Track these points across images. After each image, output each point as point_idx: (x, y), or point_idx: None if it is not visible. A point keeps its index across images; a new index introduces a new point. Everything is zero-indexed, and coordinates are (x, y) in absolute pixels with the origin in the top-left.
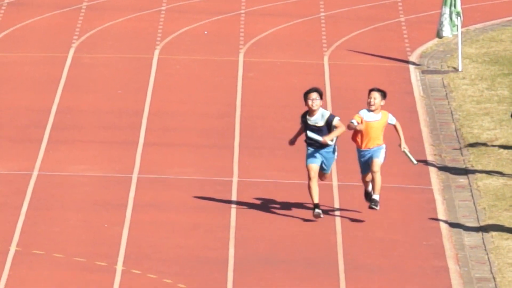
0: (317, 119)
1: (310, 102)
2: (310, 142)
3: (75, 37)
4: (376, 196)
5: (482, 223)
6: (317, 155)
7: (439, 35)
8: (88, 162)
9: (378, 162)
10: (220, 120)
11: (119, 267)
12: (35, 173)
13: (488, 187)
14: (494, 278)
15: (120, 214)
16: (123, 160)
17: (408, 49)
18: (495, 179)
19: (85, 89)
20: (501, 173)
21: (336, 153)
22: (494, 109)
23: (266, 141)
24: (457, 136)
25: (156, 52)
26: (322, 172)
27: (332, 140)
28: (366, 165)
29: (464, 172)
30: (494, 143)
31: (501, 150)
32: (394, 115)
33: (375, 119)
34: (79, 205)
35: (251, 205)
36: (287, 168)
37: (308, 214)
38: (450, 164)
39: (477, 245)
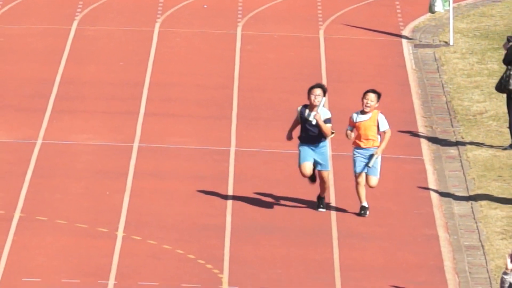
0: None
1: (312, 98)
2: (304, 136)
3: (78, 10)
4: (365, 203)
5: (471, 193)
6: (310, 153)
7: (431, 10)
8: (90, 132)
9: (375, 180)
10: (219, 92)
11: (120, 233)
12: (39, 142)
13: (478, 158)
14: (482, 246)
15: (121, 182)
16: (124, 129)
17: (401, 23)
18: (484, 150)
19: (87, 61)
20: (490, 145)
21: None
22: (484, 83)
23: (263, 112)
24: (448, 108)
25: (157, 25)
26: (320, 170)
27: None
28: (360, 164)
29: (454, 143)
30: (484, 115)
31: (491, 122)
32: (386, 90)
33: (365, 119)
34: (81, 173)
35: (248, 174)
36: (283, 139)
37: (302, 183)
38: (440, 136)
39: (466, 214)
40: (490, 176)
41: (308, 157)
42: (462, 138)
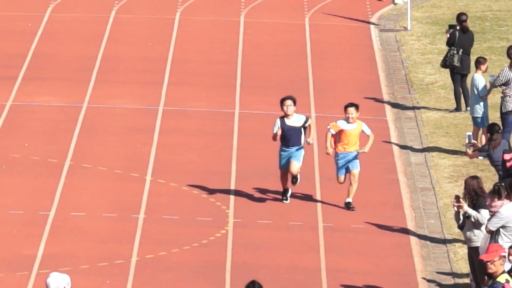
0: (294, 121)
1: (285, 108)
2: (284, 143)
3: (116, 2)
4: (350, 199)
5: (425, 146)
6: (288, 157)
7: (394, 1)
8: (125, 98)
9: (357, 172)
10: (226, 66)
11: (148, 177)
12: (84, 106)
13: (430, 119)
14: (433, 188)
15: (149, 137)
16: (152, 96)
17: (369, 12)
18: (435, 113)
19: (123, 42)
20: (439, 108)
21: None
22: (435, 59)
23: (261, 82)
24: (406, 79)
25: (178, 14)
26: (294, 163)
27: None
28: (343, 169)
29: (411, 107)
30: (434, 85)
31: (440, 90)
32: (357, 65)
33: (352, 128)
34: (118, 130)
35: (249, 131)
36: (277, 103)
37: None
38: (400, 101)
39: (420, 162)
40: (439, 133)
41: (286, 163)
42: (417, 103)
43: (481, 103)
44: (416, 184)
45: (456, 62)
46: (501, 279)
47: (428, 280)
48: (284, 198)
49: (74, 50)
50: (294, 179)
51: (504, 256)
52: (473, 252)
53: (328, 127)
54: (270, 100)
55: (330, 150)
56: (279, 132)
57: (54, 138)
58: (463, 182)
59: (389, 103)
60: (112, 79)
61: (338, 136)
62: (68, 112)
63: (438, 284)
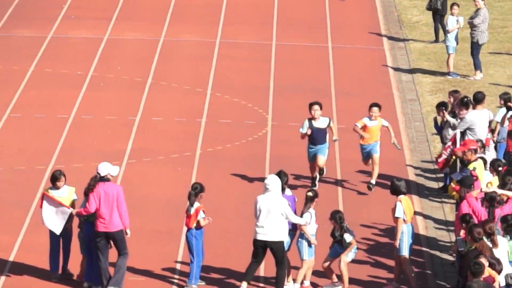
0: (320, 123)
1: (313, 112)
2: (312, 142)
3: None
4: (373, 181)
5: (412, 68)
6: (314, 153)
7: None
8: (191, 33)
9: (377, 156)
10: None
11: (209, 91)
12: (161, 39)
13: (416, 47)
14: (418, 99)
15: (209, 62)
16: (211, 31)
17: None
18: (419, 43)
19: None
20: (423, 40)
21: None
22: (419, 4)
23: (295, 21)
24: (398, 19)
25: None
26: (320, 157)
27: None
28: (367, 156)
29: (402, 39)
30: (419, 23)
31: (423, 27)
32: (361, 10)
33: (374, 124)
34: (187, 55)
35: (286, 58)
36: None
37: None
38: (394, 35)
39: (409, 80)
40: (423, 58)
41: (313, 156)
42: (407, 36)
43: (448, 35)
44: (406, 96)
45: (439, 6)
46: (470, 166)
47: (414, 167)
48: (313, 185)
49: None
50: (321, 171)
51: (475, 149)
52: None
53: (356, 123)
54: (303, 35)
55: (367, 135)
56: (309, 132)
57: (139, 63)
58: (441, 95)
59: (385, 36)
60: (182, 20)
61: (362, 131)
62: (150, 44)
63: (422, 169)
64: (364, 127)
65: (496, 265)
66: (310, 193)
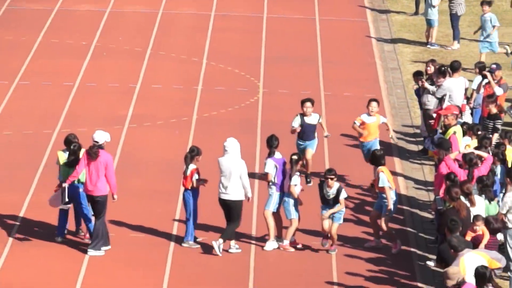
0: (311, 120)
1: (305, 109)
2: (302, 137)
3: None
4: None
5: (394, 38)
6: (304, 147)
7: None
8: (188, 6)
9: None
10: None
11: (204, 61)
12: (160, 12)
13: (397, 20)
14: (399, 67)
15: (205, 33)
16: (207, 5)
17: None
18: (401, 15)
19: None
20: (404, 12)
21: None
22: None
23: None
24: None
25: None
26: (309, 151)
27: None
28: (368, 153)
29: (385, 11)
30: None
31: (404, 0)
32: None
33: (372, 121)
34: (184, 27)
35: (277, 28)
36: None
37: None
38: (377, 8)
39: (390, 50)
40: (403, 30)
41: (302, 151)
42: (389, 8)
43: (433, 9)
44: (387, 65)
45: None
46: (450, 131)
47: (395, 131)
48: (308, 181)
49: None
50: (306, 165)
51: (457, 115)
52: (426, 113)
53: (354, 121)
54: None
55: (365, 132)
56: (298, 129)
57: (139, 34)
58: (420, 64)
59: (369, 9)
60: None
61: (361, 128)
62: (149, 17)
63: (402, 133)
64: (363, 124)
65: (493, 223)
66: (294, 156)
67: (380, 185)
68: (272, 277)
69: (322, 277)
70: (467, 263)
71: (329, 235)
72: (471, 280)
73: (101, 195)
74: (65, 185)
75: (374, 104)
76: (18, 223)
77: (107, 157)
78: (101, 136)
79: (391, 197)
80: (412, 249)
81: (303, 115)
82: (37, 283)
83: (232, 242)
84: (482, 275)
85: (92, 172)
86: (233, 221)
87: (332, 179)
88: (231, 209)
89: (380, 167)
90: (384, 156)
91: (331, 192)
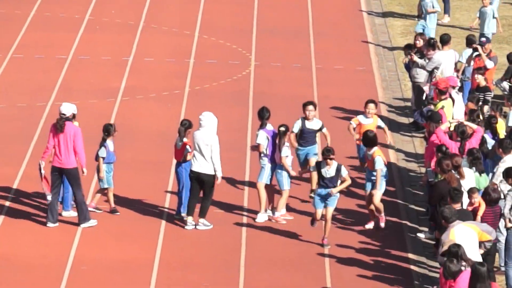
0: (313, 125)
1: (307, 113)
2: (301, 141)
3: None
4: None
5: (384, 11)
6: (305, 155)
7: None
8: None
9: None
10: None
11: (196, 34)
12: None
13: None
14: (390, 40)
15: (197, 6)
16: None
17: None
18: None
19: None
20: None
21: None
22: None
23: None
24: None
25: None
26: (312, 160)
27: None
28: (363, 158)
29: None
30: None
31: None
32: None
33: (369, 123)
34: (176, 1)
35: (268, 1)
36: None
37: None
38: None
39: (381, 23)
40: (394, 3)
41: (304, 159)
42: None
43: None
44: (379, 38)
45: None
46: (439, 105)
47: (386, 104)
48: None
49: None
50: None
51: (453, 87)
52: (417, 87)
53: (351, 122)
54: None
55: (356, 136)
56: (293, 137)
57: (131, 7)
58: (410, 37)
59: None
60: None
61: (357, 131)
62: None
63: (392, 106)
64: (359, 126)
65: (490, 194)
66: (282, 128)
67: (377, 167)
68: (264, 249)
69: (314, 249)
70: (456, 235)
71: (323, 220)
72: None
73: (71, 168)
74: (40, 161)
75: (371, 105)
76: (11, 195)
77: (75, 129)
78: (68, 109)
79: (383, 177)
80: (403, 222)
81: (305, 118)
82: (30, 254)
83: (202, 219)
84: (454, 253)
85: (60, 145)
86: (207, 197)
87: (331, 159)
88: (205, 183)
89: (375, 149)
90: (376, 137)
91: (330, 172)
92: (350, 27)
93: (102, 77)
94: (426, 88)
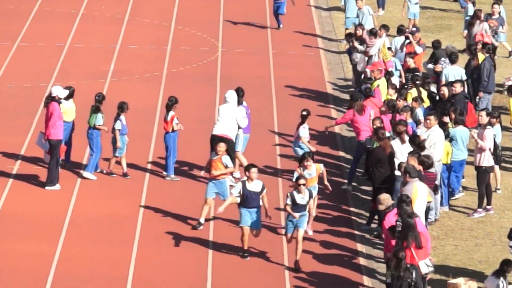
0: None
1: (249, 174)
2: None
3: None
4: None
5: (329, 6)
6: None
7: None
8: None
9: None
10: None
11: (173, 25)
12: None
13: None
14: (334, 30)
15: (173, 2)
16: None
17: None
18: None
19: None
20: None
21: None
22: None
23: None
24: None
25: None
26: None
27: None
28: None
29: None
30: None
31: None
32: None
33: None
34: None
35: (236, 14)
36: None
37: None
38: None
39: (327, 16)
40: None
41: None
42: None
43: None
44: (324, 28)
45: None
46: (375, 84)
47: (331, 83)
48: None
49: None
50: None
51: (381, 70)
52: (355, 68)
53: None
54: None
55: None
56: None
57: (119, 3)
58: (351, 27)
59: None
60: None
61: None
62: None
63: (337, 85)
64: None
65: (427, 161)
66: (304, 112)
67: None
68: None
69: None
70: (419, 189)
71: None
72: (420, 203)
73: (53, 139)
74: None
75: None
76: (19, 160)
77: (55, 108)
78: (55, 91)
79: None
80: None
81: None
82: (35, 211)
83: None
84: (406, 202)
85: (47, 120)
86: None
87: (304, 185)
88: (227, 146)
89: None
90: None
91: (305, 198)
92: (301, 19)
93: (94, 61)
94: (362, 68)
